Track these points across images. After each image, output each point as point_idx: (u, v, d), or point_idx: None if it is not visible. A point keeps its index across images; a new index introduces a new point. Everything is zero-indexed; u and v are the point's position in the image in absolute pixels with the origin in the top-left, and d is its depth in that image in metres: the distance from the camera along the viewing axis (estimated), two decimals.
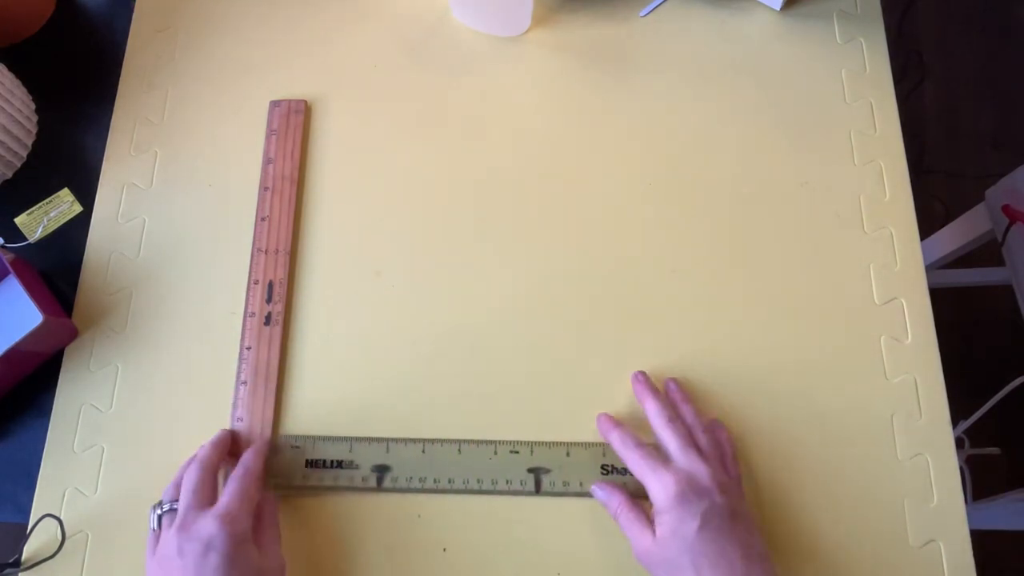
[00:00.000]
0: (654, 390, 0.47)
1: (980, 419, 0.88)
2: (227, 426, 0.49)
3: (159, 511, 0.43)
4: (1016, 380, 0.84)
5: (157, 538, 0.42)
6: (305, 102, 0.58)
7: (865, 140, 0.56)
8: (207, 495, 0.43)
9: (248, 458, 0.45)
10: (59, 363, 0.51)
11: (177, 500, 0.43)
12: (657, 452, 0.44)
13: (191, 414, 0.50)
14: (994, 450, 1.01)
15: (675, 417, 0.45)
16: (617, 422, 0.47)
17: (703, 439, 0.45)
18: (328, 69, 0.59)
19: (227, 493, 0.42)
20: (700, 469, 0.42)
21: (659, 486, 0.42)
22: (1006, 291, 0.89)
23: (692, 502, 0.41)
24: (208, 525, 0.40)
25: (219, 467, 0.45)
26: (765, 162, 0.55)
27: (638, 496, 0.45)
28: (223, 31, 0.61)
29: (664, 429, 0.45)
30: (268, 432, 0.48)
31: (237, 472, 0.44)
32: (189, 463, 0.45)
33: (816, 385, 0.49)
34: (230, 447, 0.47)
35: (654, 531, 0.42)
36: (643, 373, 0.49)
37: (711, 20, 0.60)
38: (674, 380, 0.49)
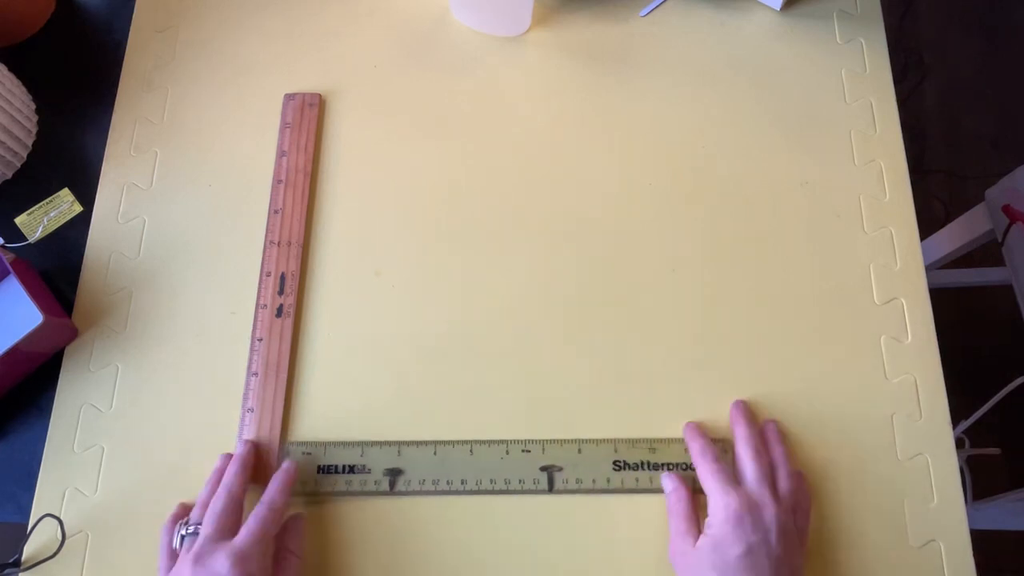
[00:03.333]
0: (749, 419, 0.47)
1: (980, 419, 0.88)
2: (235, 419, 0.49)
3: (183, 532, 0.43)
4: (1016, 380, 0.84)
5: (175, 559, 0.42)
6: (320, 95, 0.58)
7: (865, 140, 0.56)
8: (230, 524, 0.42)
9: (274, 494, 0.44)
10: (59, 363, 0.51)
11: (201, 524, 0.42)
12: (733, 472, 0.44)
13: (191, 414, 0.50)
14: (994, 450, 1.01)
15: (763, 451, 0.45)
16: (703, 432, 0.47)
17: (784, 483, 0.44)
18: (328, 69, 0.59)
19: (246, 530, 0.42)
20: (768, 505, 0.42)
21: (722, 502, 0.42)
22: (1006, 291, 0.89)
23: (746, 529, 0.40)
24: (221, 563, 0.40)
25: (245, 492, 0.44)
26: (765, 162, 0.55)
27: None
28: (223, 31, 0.61)
29: (747, 456, 0.44)
30: (278, 426, 0.48)
31: (260, 510, 0.43)
32: (213, 481, 0.45)
33: (816, 385, 0.49)
34: (253, 460, 0.47)
35: (696, 538, 0.42)
36: (743, 401, 0.48)
37: (711, 20, 0.60)
38: (774, 422, 0.48)
